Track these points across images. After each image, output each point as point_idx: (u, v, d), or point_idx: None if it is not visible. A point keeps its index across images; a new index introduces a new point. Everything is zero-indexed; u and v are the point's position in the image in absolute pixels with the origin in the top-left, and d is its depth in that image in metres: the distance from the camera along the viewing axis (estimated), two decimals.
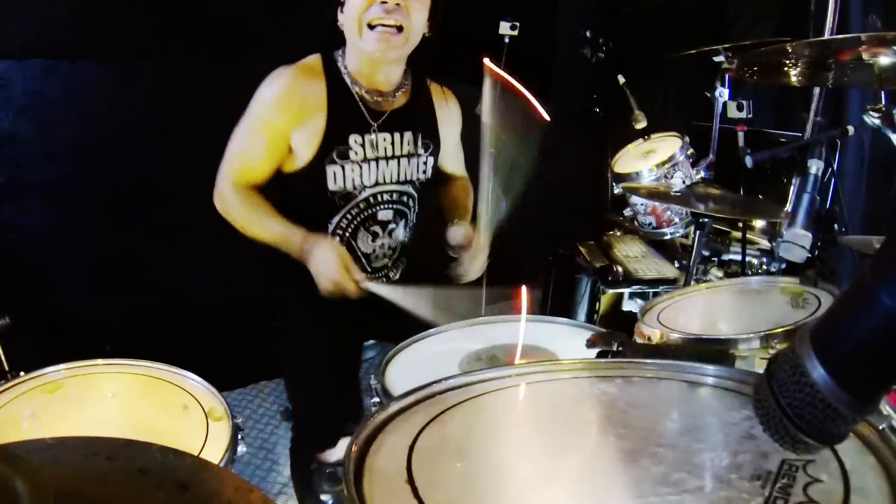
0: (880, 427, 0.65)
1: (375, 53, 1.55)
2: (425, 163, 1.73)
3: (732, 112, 2.45)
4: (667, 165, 2.34)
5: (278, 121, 1.55)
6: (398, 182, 1.69)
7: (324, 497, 0.77)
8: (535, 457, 0.74)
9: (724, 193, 2.01)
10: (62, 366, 1.32)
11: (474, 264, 1.72)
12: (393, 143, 1.66)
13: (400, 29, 1.52)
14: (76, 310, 2.35)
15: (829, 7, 2.42)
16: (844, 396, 0.55)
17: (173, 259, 2.45)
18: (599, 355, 1.06)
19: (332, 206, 1.64)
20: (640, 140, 2.60)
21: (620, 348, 1.05)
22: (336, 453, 1.27)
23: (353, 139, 1.60)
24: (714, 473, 0.66)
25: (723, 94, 2.51)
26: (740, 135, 2.35)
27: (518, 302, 1.44)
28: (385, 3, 1.49)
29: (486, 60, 1.82)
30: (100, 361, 1.34)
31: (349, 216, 1.66)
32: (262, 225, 1.60)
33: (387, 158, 1.65)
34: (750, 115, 2.41)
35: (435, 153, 1.76)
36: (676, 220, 2.48)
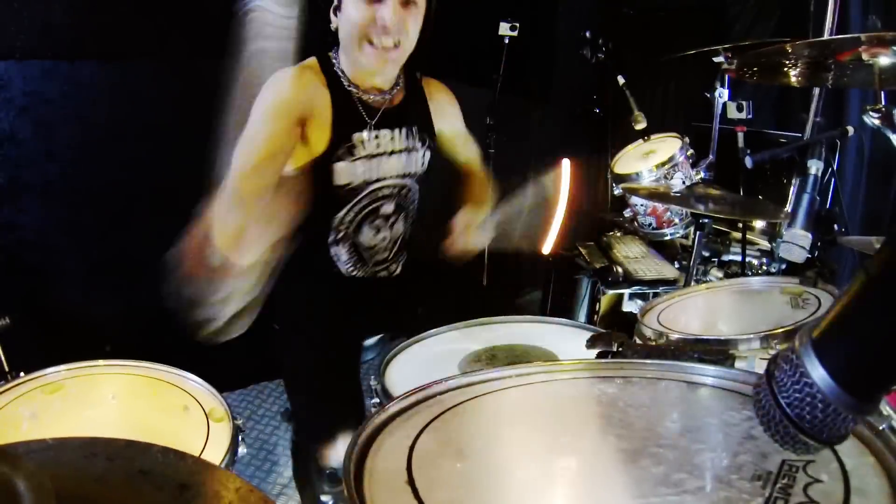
0: (880, 427, 0.66)
1: (370, 68, 1.59)
2: (423, 156, 1.76)
3: (732, 113, 2.45)
4: (667, 166, 2.34)
5: (289, 118, 1.53)
6: (399, 176, 1.71)
7: (324, 497, 0.77)
8: (536, 457, 0.74)
9: (723, 194, 2.02)
10: (62, 366, 1.32)
11: (465, 238, 1.69)
12: (392, 139, 1.68)
13: (397, 45, 1.55)
14: (76, 310, 2.35)
15: (828, 7, 2.42)
16: (844, 397, 0.55)
17: (173, 259, 2.45)
18: (599, 356, 1.06)
19: (337, 203, 1.66)
20: (640, 141, 2.60)
21: (620, 349, 1.05)
22: (337, 454, 1.28)
23: (356, 136, 1.62)
24: (714, 474, 0.66)
25: (722, 94, 2.51)
26: (740, 135, 2.35)
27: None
28: (385, 25, 1.51)
29: None
30: (100, 362, 1.34)
31: (353, 212, 1.68)
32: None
33: (388, 154, 1.67)
34: (750, 116, 2.42)
35: (431, 146, 1.79)
36: (676, 220, 2.48)
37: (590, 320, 2.58)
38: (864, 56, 1.38)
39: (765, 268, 2.30)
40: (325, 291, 1.72)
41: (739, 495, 0.61)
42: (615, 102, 2.73)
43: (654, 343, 1.32)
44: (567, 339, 1.46)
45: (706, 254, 2.40)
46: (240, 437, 1.16)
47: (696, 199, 1.92)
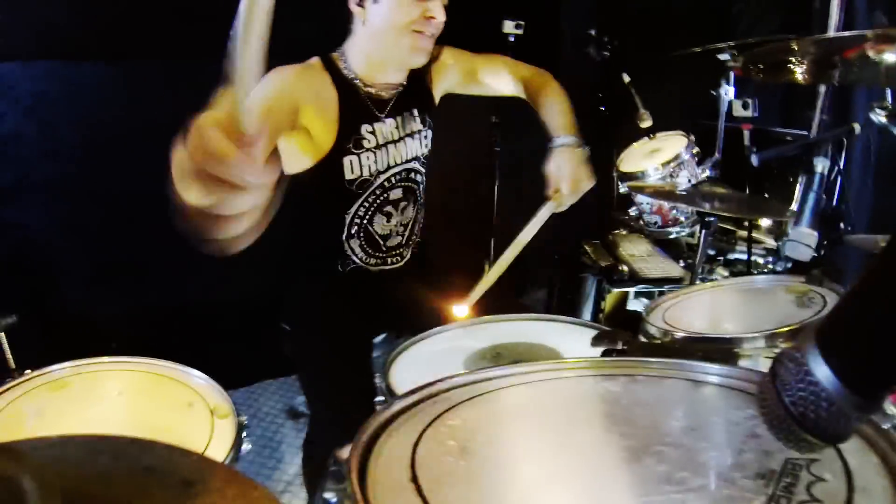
0: (884, 426, 0.65)
1: (407, 58, 1.59)
2: (426, 136, 1.77)
3: (738, 110, 2.44)
4: (672, 164, 2.34)
5: (289, 95, 1.50)
6: (406, 161, 1.72)
7: (327, 496, 0.77)
8: (540, 455, 0.74)
9: (729, 192, 2.01)
10: (68, 364, 1.33)
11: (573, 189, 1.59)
12: (398, 127, 1.69)
13: (431, 37, 1.57)
14: (82, 308, 2.36)
15: (834, 4, 2.41)
16: (849, 395, 0.54)
17: (179, 257, 2.46)
18: (604, 354, 1.06)
19: (350, 196, 1.66)
20: (646, 139, 2.60)
21: (625, 347, 1.05)
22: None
23: (365, 128, 1.63)
24: (718, 472, 0.66)
25: (728, 92, 2.50)
26: (746, 133, 2.34)
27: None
28: (434, 18, 1.53)
29: None
30: (105, 359, 1.35)
31: (366, 204, 1.68)
32: None
33: (395, 142, 1.68)
34: (755, 114, 2.41)
35: (432, 125, 1.79)
36: (682, 218, 2.48)
37: (595, 318, 2.58)
38: (871, 53, 1.37)
39: (770, 266, 2.29)
40: (339, 290, 1.72)
41: (743, 493, 0.61)
42: (620, 100, 2.72)
43: (658, 341, 1.32)
44: (572, 338, 1.46)
45: (712, 252, 2.40)
46: (244, 434, 1.16)
47: (702, 197, 1.92)
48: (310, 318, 1.72)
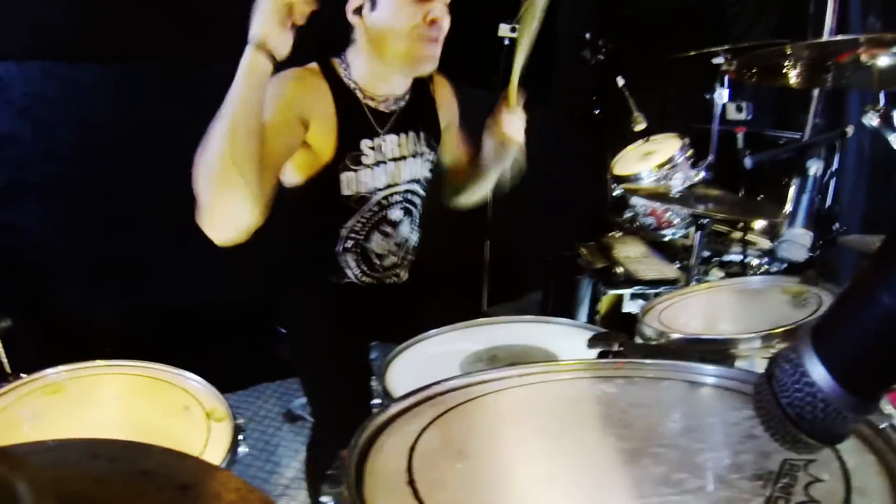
0: (881, 426, 0.66)
1: (413, 64, 1.54)
2: (429, 160, 1.74)
3: (732, 113, 2.45)
4: (667, 167, 2.34)
5: (290, 113, 1.45)
6: (407, 182, 1.69)
7: (324, 499, 0.77)
8: (536, 457, 0.74)
9: (723, 194, 2.02)
10: (63, 367, 1.32)
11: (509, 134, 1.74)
12: (400, 145, 1.65)
13: (437, 41, 1.52)
14: (77, 311, 2.35)
15: (828, 8, 2.43)
16: (845, 396, 0.55)
17: (174, 260, 2.45)
18: (600, 356, 1.06)
19: (346, 212, 1.62)
20: (640, 141, 2.60)
21: (621, 349, 1.05)
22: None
23: (365, 143, 1.58)
24: (715, 473, 0.66)
25: (722, 95, 2.51)
26: (740, 136, 2.35)
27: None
28: (436, 20, 1.48)
29: None
30: (101, 363, 1.34)
31: (363, 220, 1.65)
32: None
33: (396, 160, 1.65)
34: (749, 117, 2.42)
35: (436, 150, 1.77)
36: (676, 220, 2.48)
37: (591, 320, 2.58)
38: (864, 57, 1.38)
39: (765, 267, 2.30)
40: (333, 298, 1.71)
41: (740, 495, 0.61)
42: (615, 103, 2.73)
43: (654, 343, 1.32)
44: (568, 340, 1.46)
45: (707, 254, 2.40)
46: (240, 438, 1.15)
47: (697, 199, 1.93)
48: (304, 321, 1.71)
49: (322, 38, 1.62)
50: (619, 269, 2.46)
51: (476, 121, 2.72)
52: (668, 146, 2.46)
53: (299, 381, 1.73)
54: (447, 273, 1.77)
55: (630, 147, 2.65)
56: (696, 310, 1.55)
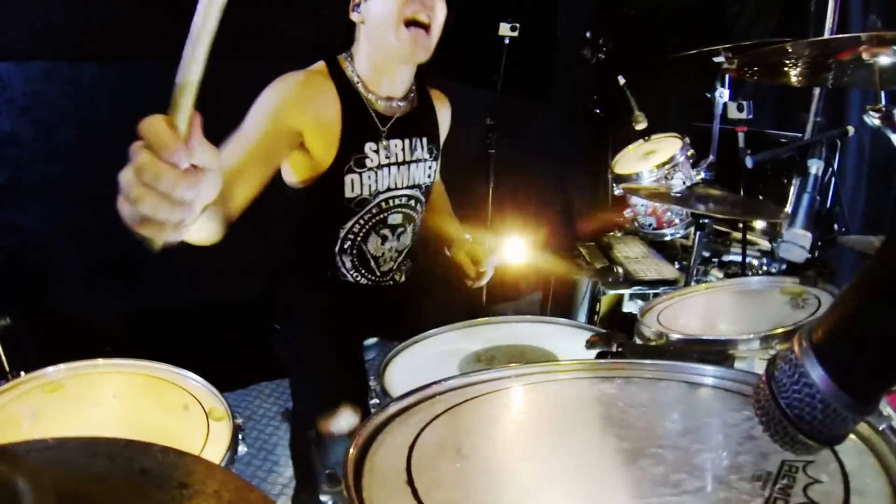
0: (880, 428, 0.66)
1: (405, 52, 1.51)
2: (430, 167, 1.74)
3: (733, 113, 2.45)
4: (667, 166, 2.34)
5: (285, 123, 1.46)
6: (408, 187, 1.69)
7: (323, 498, 0.77)
8: (535, 457, 0.74)
9: (724, 194, 2.02)
10: (63, 366, 1.32)
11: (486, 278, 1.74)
12: (403, 149, 1.65)
13: (428, 29, 1.50)
14: (77, 310, 2.35)
15: (829, 7, 2.43)
16: (844, 397, 0.55)
17: (174, 259, 2.45)
18: (599, 356, 1.06)
19: (346, 213, 1.63)
20: (641, 141, 2.61)
21: (620, 349, 1.05)
22: (337, 423, 1.27)
23: (369, 146, 1.58)
24: (714, 474, 0.66)
25: (723, 94, 2.51)
26: (740, 135, 2.35)
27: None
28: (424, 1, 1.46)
29: None
30: (100, 361, 1.34)
31: (361, 221, 1.65)
32: None
33: (398, 164, 1.65)
34: (750, 116, 2.42)
35: (437, 158, 1.77)
36: (677, 220, 2.48)
37: (590, 320, 2.58)
38: (865, 56, 1.38)
39: (765, 268, 2.30)
40: (329, 296, 1.71)
41: (739, 496, 0.61)
42: (616, 103, 2.74)
43: (653, 343, 1.32)
44: (567, 340, 1.46)
45: (706, 254, 2.40)
46: (240, 437, 1.15)
47: (697, 199, 1.92)
48: (300, 317, 1.71)
49: (329, 39, 1.63)
50: (619, 269, 2.46)
51: (477, 120, 2.73)
52: (669, 145, 2.46)
53: (289, 377, 1.73)
54: (446, 273, 1.77)
55: (630, 146, 2.65)
56: (696, 310, 1.55)
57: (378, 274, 1.75)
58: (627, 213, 2.62)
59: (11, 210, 2.21)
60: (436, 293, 1.81)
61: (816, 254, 1.56)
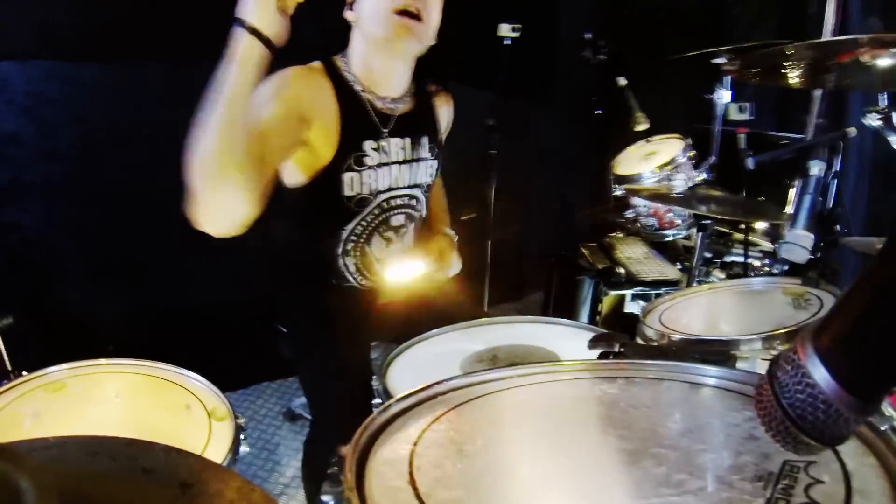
0: (882, 428, 0.66)
1: (397, 43, 1.50)
2: (431, 166, 1.73)
3: (734, 114, 2.45)
4: (668, 167, 2.34)
5: (289, 108, 1.44)
6: (409, 186, 1.68)
7: (325, 498, 0.77)
8: (537, 458, 0.74)
9: (725, 195, 2.02)
10: (65, 365, 1.32)
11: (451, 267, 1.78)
12: (404, 148, 1.65)
13: (420, 19, 1.48)
14: (79, 310, 2.35)
15: (829, 9, 2.43)
16: (846, 397, 0.55)
17: (176, 259, 2.46)
18: (601, 356, 1.06)
19: (347, 213, 1.62)
20: (642, 142, 2.61)
21: (622, 349, 1.05)
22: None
23: (368, 145, 1.58)
24: (716, 474, 0.66)
25: (724, 96, 2.51)
26: (741, 137, 2.35)
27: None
28: None
29: None
30: (102, 361, 1.35)
31: (364, 222, 1.65)
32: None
33: (399, 163, 1.64)
34: (751, 117, 2.42)
35: (439, 157, 1.77)
36: (678, 221, 2.48)
37: (592, 321, 2.58)
38: (865, 58, 1.38)
39: (767, 269, 2.30)
40: (334, 298, 1.70)
41: (741, 496, 0.61)
42: (616, 104, 2.73)
43: (655, 344, 1.32)
44: (569, 340, 1.46)
45: (708, 255, 2.40)
46: (241, 436, 1.16)
47: (698, 200, 1.93)
48: (305, 320, 1.71)
49: (324, 38, 1.62)
50: (621, 270, 2.46)
51: (478, 121, 2.73)
52: (670, 147, 2.46)
53: (299, 381, 1.73)
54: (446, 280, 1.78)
55: (632, 147, 2.65)
56: (698, 311, 1.55)
57: (382, 276, 1.74)
58: (629, 213, 2.62)
59: (13, 209, 2.21)
60: (439, 292, 1.81)
61: (818, 255, 1.55)
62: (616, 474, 0.67)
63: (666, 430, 0.75)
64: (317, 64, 1.58)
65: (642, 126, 2.56)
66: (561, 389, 0.89)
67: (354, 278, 1.71)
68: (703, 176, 2.37)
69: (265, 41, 1.18)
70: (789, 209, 1.77)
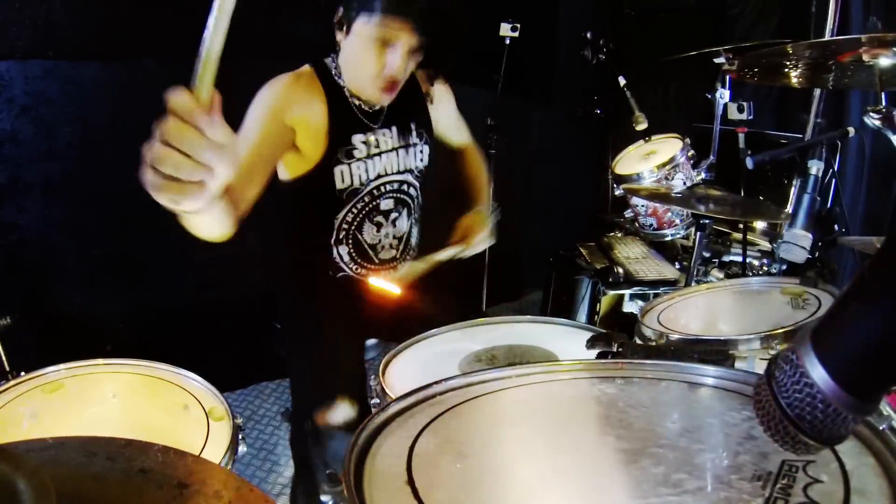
0: (880, 428, 0.65)
1: (377, 98, 1.60)
2: (422, 151, 1.77)
3: (733, 114, 2.45)
4: (668, 167, 2.34)
5: (281, 123, 1.52)
6: (398, 172, 1.72)
7: (324, 498, 0.77)
8: (535, 458, 0.74)
9: (724, 195, 2.02)
10: (63, 365, 1.32)
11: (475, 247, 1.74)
12: (393, 136, 1.69)
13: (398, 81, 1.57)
14: (77, 310, 2.35)
15: (829, 9, 2.43)
16: (845, 397, 0.55)
17: (174, 259, 2.46)
18: (599, 356, 1.06)
19: (338, 204, 1.66)
20: (641, 141, 2.61)
21: (620, 349, 1.05)
22: (334, 415, 1.28)
23: (357, 138, 1.63)
24: (714, 474, 0.66)
25: (723, 95, 2.51)
26: (741, 136, 2.35)
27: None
28: (392, 75, 1.53)
29: None
30: (100, 361, 1.34)
31: (354, 210, 1.68)
32: None
33: (387, 151, 1.68)
34: (750, 117, 2.42)
35: (429, 142, 1.79)
36: (677, 221, 2.48)
37: (590, 321, 2.58)
38: (865, 57, 1.38)
39: (765, 268, 2.30)
40: (330, 290, 1.72)
41: (739, 495, 0.61)
42: (616, 103, 2.74)
43: (654, 343, 1.32)
44: (567, 340, 1.46)
45: (707, 254, 2.40)
46: (240, 437, 1.16)
47: (697, 199, 1.93)
48: (300, 315, 1.72)
49: (315, 41, 1.64)
50: (619, 270, 2.46)
51: (478, 121, 2.73)
52: (670, 146, 2.47)
53: (289, 377, 1.74)
54: (447, 272, 1.77)
55: (631, 147, 2.65)
56: (696, 311, 1.55)
57: (377, 262, 1.76)
58: (628, 213, 2.62)
59: (12, 209, 2.21)
60: (438, 291, 1.80)
61: (817, 254, 1.56)
62: (614, 474, 0.67)
63: (664, 430, 0.75)
64: (306, 68, 1.63)
65: (641, 125, 2.57)
66: (559, 389, 0.89)
67: (350, 268, 1.73)
68: (702, 175, 2.37)
69: None
70: (788, 209, 1.77)
